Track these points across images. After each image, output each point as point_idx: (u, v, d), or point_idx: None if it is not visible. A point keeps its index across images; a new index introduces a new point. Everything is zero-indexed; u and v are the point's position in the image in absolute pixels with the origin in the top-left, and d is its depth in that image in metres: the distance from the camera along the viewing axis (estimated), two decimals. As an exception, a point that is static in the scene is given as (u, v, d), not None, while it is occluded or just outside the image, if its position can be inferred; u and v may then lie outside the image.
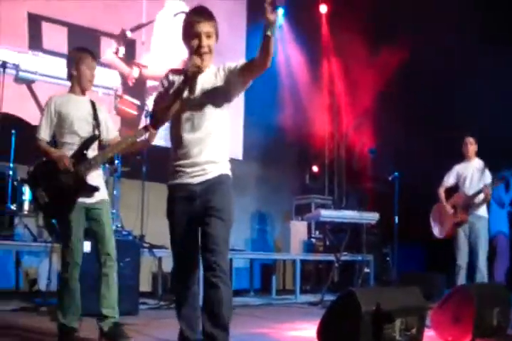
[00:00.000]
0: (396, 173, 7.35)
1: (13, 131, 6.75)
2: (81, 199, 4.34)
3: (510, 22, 8.38)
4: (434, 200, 7.08)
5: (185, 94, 3.37)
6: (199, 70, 3.32)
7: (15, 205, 6.78)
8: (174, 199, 3.45)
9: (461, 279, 6.68)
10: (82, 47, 4.63)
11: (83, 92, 4.52)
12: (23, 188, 6.92)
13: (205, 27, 3.38)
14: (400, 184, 7.59)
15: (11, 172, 6.74)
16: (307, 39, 10.52)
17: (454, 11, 8.28)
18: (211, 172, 3.40)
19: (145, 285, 7.49)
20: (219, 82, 3.43)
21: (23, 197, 6.92)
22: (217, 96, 3.42)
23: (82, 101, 4.51)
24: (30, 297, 6.47)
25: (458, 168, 7.02)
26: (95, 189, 4.37)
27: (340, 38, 10.24)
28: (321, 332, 3.80)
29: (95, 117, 4.46)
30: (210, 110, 3.40)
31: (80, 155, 4.34)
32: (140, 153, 7.13)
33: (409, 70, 9.07)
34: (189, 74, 3.31)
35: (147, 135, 4.38)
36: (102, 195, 4.45)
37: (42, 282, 7.02)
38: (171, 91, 3.38)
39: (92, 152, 4.41)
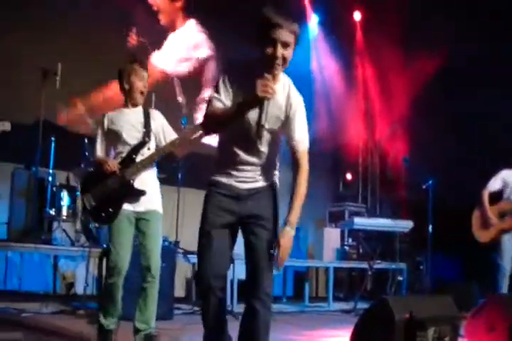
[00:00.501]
0: (430, 181, 7.30)
1: (52, 138, 6.91)
2: (130, 207, 4.35)
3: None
4: (469, 208, 6.98)
5: (249, 114, 3.06)
6: (272, 96, 2.94)
7: (54, 210, 6.95)
8: (216, 194, 3.19)
9: (505, 281, 6.51)
10: (133, 58, 4.62)
11: (135, 104, 4.52)
12: (62, 193, 7.09)
13: (284, 35, 2.98)
14: (435, 192, 7.54)
15: (50, 178, 6.90)
16: (341, 46, 10.55)
17: (486, 19, 8.24)
18: (261, 181, 3.23)
19: (179, 290, 7.57)
20: (282, 117, 3.16)
21: (62, 203, 7.09)
22: (277, 126, 3.16)
23: (134, 112, 4.50)
24: (68, 300, 6.59)
25: (505, 174, 6.82)
26: (141, 193, 4.36)
27: (374, 45, 10.25)
28: (354, 340, 3.82)
29: (146, 125, 4.45)
30: (268, 135, 3.15)
31: (128, 160, 4.38)
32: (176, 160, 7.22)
33: (445, 77, 9.03)
34: (259, 97, 2.91)
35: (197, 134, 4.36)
36: (153, 205, 4.43)
37: (78, 286, 7.16)
38: (233, 107, 3.05)
39: (141, 157, 4.42)
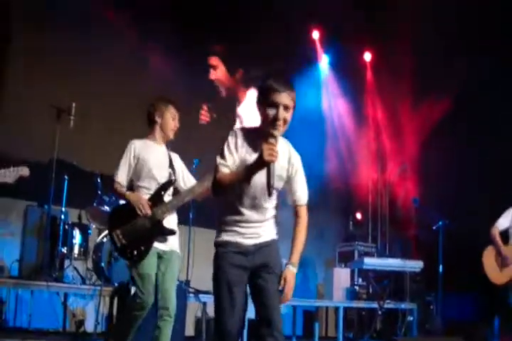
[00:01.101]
0: (441, 222, 7.30)
1: (65, 176, 7.00)
2: (158, 245, 4.41)
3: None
4: (480, 248, 6.97)
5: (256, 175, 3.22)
6: (276, 158, 3.10)
7: (65, 248, 6.99)
8: (226, 253, 3.35)
9: None
10: (169, 98, 4.74)
11: (163, 140, 4.62)
12: (74, 232, 7.14)
13: (285, 99, 3.24)
14: (445, 232, 7.53)
15: (62, 216, 6.97)
16: (352, 87, 10.66)
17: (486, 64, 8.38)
18: (264, 236, 3.40)
19: (189, 329, 7.54)
20: (285, 175, 3.39)
21: (74, 241, 7.14)
22: (281, 184, 3.39)
23: (160, 149, 4.60)
24: (77, 338, 6.58)
25: None
26: (171, 232, 4.45)
27: (384, 85, 10.37)
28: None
29: (171, 165, 4.55)
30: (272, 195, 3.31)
31: (157, 198, 4.43)
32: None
33: (455, 117, 9.12)
34: (266, 161, 3.06)
35: None
36: (174, 245, 4.53)
37: (88, 324, 7.16)
38: (241, 171, 3.24)
39: (167, 197, 4.49)
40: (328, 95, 10.67)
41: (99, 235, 7.24)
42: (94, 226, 7.29)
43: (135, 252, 4.37)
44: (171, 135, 4.63)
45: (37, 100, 7.47)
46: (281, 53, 9.19)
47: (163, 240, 4.43)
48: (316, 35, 10.58)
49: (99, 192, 7.12)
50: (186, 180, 4.65)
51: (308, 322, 9.33)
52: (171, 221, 4.51)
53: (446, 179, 8.76)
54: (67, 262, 7.11)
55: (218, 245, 3.39)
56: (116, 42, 8.24)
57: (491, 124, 8.82)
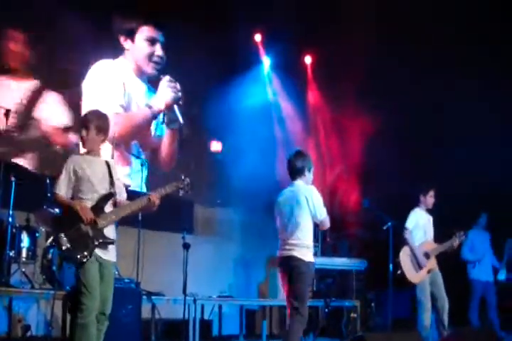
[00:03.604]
0: (390, 223, 7.51)
1: (12, 179, 6.87)
2: (100, 253, 4.60)
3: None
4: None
5: None
6: None
7: (13, 252, 6.86)
8: None
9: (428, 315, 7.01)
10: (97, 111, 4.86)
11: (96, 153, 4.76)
12: (22, 235, 7.02)
13: None
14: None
15: (10, 219, 6.82)
16: (294, 88, 10.84)
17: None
18: None
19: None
20: None
21: (22, 244, 7.01)
22: None
23: (98, 161, 4.75)
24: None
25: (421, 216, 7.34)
26: (111, 242, 4.66)
27: (326, 87, 10.57)
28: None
29: (110, 176, 4.71)
30: None
31: (97, 209, 4.61)
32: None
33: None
34: None
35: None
36: (114, 255, 4.76)
37: (35, 328, 7.06)
38: None
39: (108, 208, 4.69)
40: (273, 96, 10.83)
41: (47, 238, 7.13)
42: (43, 229, 7.18)
43: (78, 256, 4.53)
44: (98, 149, 4.78)
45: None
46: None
47: (105, 248, 4.63)
48: (258, 37, 10.73)
49: (49, 195, 7.01)
50: (122, 191, 4.85)
51: (251, 321, 9.44)
52: (110, 231, 4.71)
53: (389, 179, 9.03)
54: (14, 266, 6.97)
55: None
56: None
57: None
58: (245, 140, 9.61)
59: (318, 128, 11.09)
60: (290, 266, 5.50)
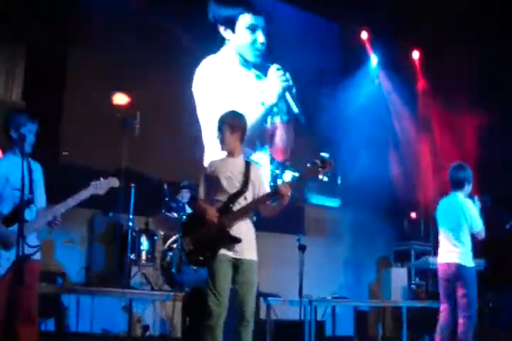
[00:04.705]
0: (512, 221, 7.26)
1: (132, 185, 7.08)
2: (229, 253, 4.47)
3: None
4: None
5: None
6: None
7: (133, 255, 7.08)
8: None
9: None
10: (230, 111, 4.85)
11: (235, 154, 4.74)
12: (141, 238, 7.24)
13: None
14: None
15: (130, 224, 7.05)
16: (404, 85, 10.65)
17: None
18: None
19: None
20: None
21: (141, 247, 7.24)
22: None
23: (236, 161, 4.71)
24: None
25: None
26: (237, 240, 4.48)
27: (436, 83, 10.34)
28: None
29: (246, 175, 4.63)
30: None
31: (224, 209, 4.55)
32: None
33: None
34: None
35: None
36: (248, 253, 4.54)
37: (152, 328, 7.25)
38: None
39: (238, 206, 4.57)
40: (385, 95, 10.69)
41: (164, 241, 7.33)
42: (161, 233, 7.38)
43: (201, 257, 4.51)
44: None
45: (102, 109, 7.58)
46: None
47: (232, 248, 4.48)
48: (364, 35, 10.61)
49: (167, 199, 7.19)
50: (261, 188, 4.70)
51: (363, 322, 9.35)
52: (241, 230, 4.56)
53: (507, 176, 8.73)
54: (134, 268, 7.19)
55: None
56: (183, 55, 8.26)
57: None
58: (356, 139, 9.52)
59: (430, 124, 10.80)
60: (455, 274, 5.84)
